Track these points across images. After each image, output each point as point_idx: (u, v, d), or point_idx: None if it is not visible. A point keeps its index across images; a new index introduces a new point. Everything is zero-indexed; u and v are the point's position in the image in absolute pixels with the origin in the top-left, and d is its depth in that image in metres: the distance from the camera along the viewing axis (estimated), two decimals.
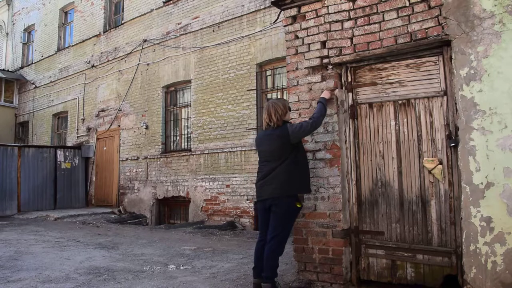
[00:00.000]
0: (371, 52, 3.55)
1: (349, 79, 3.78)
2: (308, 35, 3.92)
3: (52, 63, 14.51)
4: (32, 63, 15.60)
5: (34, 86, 15.14)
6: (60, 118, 14.29)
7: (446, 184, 3.26)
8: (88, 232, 7.95)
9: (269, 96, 8.57)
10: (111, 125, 11.84)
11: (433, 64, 3.37)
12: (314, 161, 3.81)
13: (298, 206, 3.60)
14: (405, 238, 3.42)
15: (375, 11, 3.53)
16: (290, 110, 3.79)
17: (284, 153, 3.52)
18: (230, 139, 8.82)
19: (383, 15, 3.49)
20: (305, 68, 3.93)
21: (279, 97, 8.33)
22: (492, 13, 2.99)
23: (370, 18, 3.56)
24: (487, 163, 2.95)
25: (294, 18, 4.03)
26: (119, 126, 11.63)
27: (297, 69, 3.99)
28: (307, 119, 3.63)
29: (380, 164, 3.59)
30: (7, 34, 17.00)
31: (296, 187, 3.56)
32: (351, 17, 3.66)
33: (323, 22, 3.83)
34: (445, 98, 3.29)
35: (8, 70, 15.99)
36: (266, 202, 3.63)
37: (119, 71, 11.77)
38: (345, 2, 3.70)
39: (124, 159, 11.31)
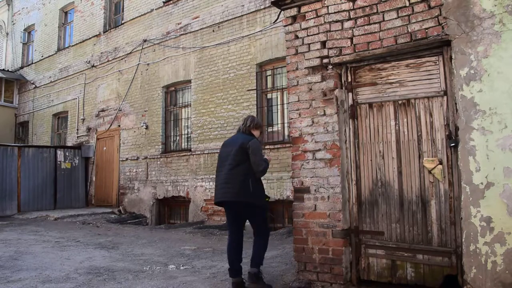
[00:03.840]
0: (371, 52, 3.55)
1: (349, 79, 3.78)
2: (308, 35, 3.92)
3: (52, 63, 14.50)
4: (32, 63, 15.58)
5: (34, 86, 15.13)
6: (60, 118, 14.28)
7: (446, 184, 3.26)
8: (88, 232, 7.95)
9: (269, 96, 8.58)
10: (111, 125, 11.84)
11: (433, 64, 3.37)
12: (314, 161, 3.81)
13: (266, 199, 3.94)
14: (405, 238, 3.42)
15: (375, 11, 3.53)
16: (260, 133, 4.11)
17: (241, 157, 3.78)
18: None
19: (383, 15, 3.49)
20: (305, 68, 3.93)
21: (279, 97, 8.44)
22: (492, 13, 2.99)
23: (370, 18, 3.56)
24: (487, 163, 2.95)
25: (294, 18, 4.03)
26: (119, 126, 11.62)
27: (297, 69, 3.99)
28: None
29: (380, 164, 3.59)
30: (7, 34, 17.00)
31: (254, 196, 3.75)
32: (351, 17, 3.66)
33: (323, 22, 3.83)
34: (445, 98, 3.29)
35: (8, 70, 15.98)
36: (232, 205, 3.84)
37: (119, 71, 11.77)
38: (345, 2, 3.70)
39: (124, 159, 11.31)
